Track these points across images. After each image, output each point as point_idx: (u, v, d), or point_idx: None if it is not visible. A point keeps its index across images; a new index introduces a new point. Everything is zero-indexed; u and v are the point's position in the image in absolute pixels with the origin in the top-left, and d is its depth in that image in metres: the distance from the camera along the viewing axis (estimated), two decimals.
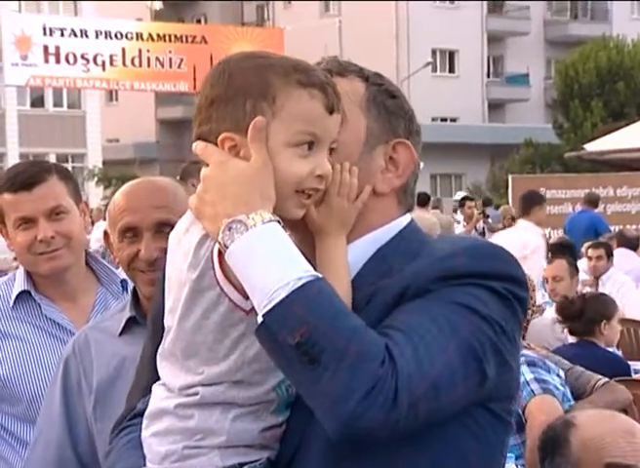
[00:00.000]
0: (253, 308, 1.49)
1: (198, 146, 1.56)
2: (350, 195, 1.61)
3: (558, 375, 4.00)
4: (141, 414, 1.72)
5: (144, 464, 1.63)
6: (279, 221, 1.49)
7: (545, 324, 5.56)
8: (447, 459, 1.54)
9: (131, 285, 2.77)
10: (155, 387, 1.65)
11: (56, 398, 2.43)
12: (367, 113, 1.66)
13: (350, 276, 1.59)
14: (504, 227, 12.75)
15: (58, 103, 37.56)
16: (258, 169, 1.51)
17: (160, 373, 1.65)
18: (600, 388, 4.32)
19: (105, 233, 2.45)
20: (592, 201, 13.31)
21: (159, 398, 1.63)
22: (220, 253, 1.50)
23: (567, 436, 2.25)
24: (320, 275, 1.47)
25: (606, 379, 4.38)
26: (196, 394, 1.57)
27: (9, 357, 2.78)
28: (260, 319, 1.44)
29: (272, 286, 1.43)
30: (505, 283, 1.55)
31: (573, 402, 4.00)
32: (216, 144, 1.55)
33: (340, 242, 1.61)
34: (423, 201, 12.77)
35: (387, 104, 1.69)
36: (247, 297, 1.50)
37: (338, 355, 1.40)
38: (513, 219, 12.24)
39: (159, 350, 1.65)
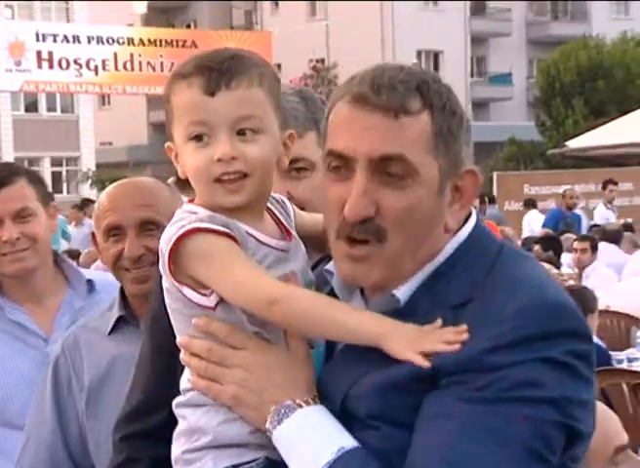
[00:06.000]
0: (218, 302, 1.50)
1: (223, 330, 1.52)
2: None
3: None
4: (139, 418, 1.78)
5: None
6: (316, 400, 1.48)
7: None
8: None
9: (99, 284, 2.77)
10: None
11: (46, 397, 2.41)
12: (436, 153, 1.49)
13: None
14: None
15: (51, 108, 37.41)
16: (298, 356, 1.51)
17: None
18: None
19: (93, 234, 2.44)
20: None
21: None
22: (169, 262, 1.50)
23: None
24: (348, 447, 1.42)
25: None
26: (186, 395, 1.57)
27: None
28: None
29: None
30: (561, 342, 1.40)
31: None
32: None
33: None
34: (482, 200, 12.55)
35: (452, 129, 1.51)
36: (208, 295, 1.50)
37: None
38: None
39: None
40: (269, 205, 1.63)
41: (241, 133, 1.51)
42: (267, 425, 1.48)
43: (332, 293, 1.61)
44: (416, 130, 1.48)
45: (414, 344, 1.40)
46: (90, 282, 2.81)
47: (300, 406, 1.47)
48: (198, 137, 1.51)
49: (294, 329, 1.49)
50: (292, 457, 1.46)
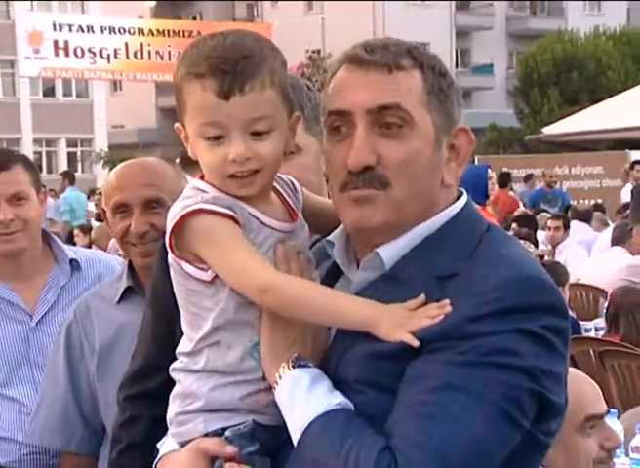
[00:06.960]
0: (215, 277, 1.47)
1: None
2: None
3: None
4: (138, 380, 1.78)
5: None
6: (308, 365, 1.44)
7: None
8: None
9: (83, 260, 2.78)
10: None
11: (60, 359, 2.42)
12: (429, 108, 1.47)
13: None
14: None
15: (67, 93, 37.19)
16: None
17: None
18: None
19: (103, 210, 2.42)
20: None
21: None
22: (170, 238, 1.48)
23: None
24: (331, 407, 1.38)
25: None
26: (182, 361, 1.55)
27: None
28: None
29: (295, 427, 1.40)
30: (539, 315, 1.38)
31: None
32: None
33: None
34: (504, 182, 11.58)
35: (443, 88, 1.49)
36: (205, 269, 1.47)
37: None
38: None
39: None
40: (277, 186, 1.58)
41: (254, 133, 1.46)
42: (282, 367, 1.44)
43: (332, 267, 1.58)
44: (409, 83, 1.47)
45: (402, 325, 1.38)
46: (73, 261, 2.78)
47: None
48: (212, 138, 1.46)
49: (286, 315, 1.45)
50: (298, 395, 1.41)
